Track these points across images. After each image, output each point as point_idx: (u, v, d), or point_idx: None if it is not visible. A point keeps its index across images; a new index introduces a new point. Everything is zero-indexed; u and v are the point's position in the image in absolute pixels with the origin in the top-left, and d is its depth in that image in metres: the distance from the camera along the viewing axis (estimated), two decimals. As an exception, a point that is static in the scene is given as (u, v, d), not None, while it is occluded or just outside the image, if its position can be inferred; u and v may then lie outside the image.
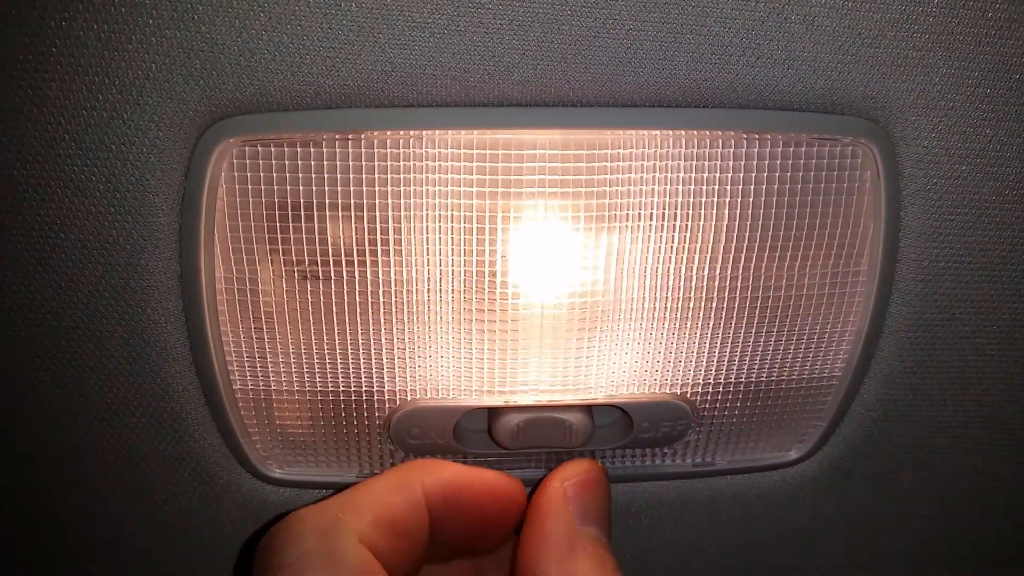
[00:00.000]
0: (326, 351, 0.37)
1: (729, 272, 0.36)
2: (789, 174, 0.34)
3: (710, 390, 0.39)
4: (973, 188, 0.35)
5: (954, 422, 0.41)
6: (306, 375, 0.38)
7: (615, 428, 0.40)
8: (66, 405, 0.37)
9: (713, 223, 0.35)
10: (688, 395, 0.39)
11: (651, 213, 0.35)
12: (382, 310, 0.36)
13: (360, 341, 0.37)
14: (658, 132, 0.33)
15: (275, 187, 0.33)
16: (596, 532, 0.34)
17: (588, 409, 0.39)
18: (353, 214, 0.34)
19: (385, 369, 0.37)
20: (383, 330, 0.36)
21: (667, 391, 0.39)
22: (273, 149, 0.33)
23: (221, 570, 0.43)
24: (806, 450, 0.41)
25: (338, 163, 0.33)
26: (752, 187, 0.34)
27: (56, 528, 0.42)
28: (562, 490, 0.34)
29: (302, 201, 0.34)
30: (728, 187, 0.34)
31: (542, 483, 0.35)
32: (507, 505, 0.35)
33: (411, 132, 0.33)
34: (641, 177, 0.34)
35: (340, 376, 0.38)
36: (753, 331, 0.37)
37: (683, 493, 0.43)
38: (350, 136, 0.32)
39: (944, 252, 0.36)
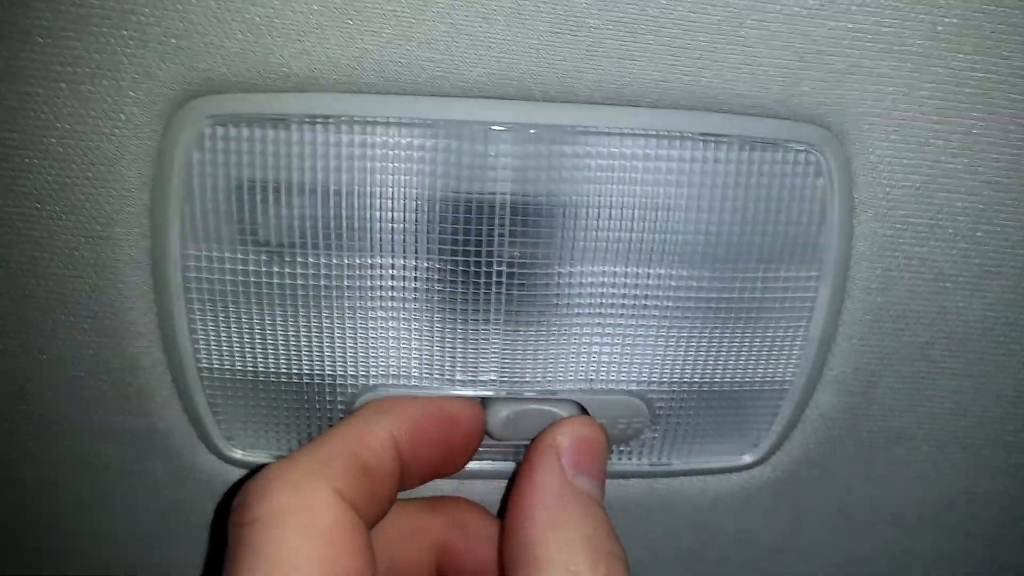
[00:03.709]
0: (291, 333, 0.38)
1: (685, 272, 0.37)
2: (744, 178, 0.35)
3: (666, 389, 0.40)
4: (926, 199, 0.36)
5: (907, 433, 0.42)
6: (271, 357, 0.38)
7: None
8: (33, 374, 0.38)
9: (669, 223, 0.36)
10: (645, 393, 0.40)
11: (609, 212, 0.36)
12: (346, 295, 0.37)
13: (324, 325, 0.37)
14: (616, 130, 0.34)
15: (244, 167, 0.34)
16: (588, 485, 0.34)
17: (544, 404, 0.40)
18: (320, 198, 0.35)
19: (348, 353, 0.38)
20: (346, 315, 0.37)
21: (624, 388, 0.39)
22: (243, 130, 0.34)
23: (180, 548, 0.43)
24: (760, 455, 0.42)
25: (305, 146, 0.34)
26: (709, 190, 0.35)
27: (14, 501, 0.42)
28: (556, 443, 0.35)
29: (271, 183, 0.34)
30: (685, 189, 0.35)
31: (538, 436, 0.36)
32: (469, 429, 0.36)
33: (378, 118, 0.34)
34: (600, 176, 0.35)
35: (303, 359, 0.38)
36: (708, 332, 0.38)
37: (642, 493, 0.43)
38: (318, 120, 0.34)
39: (897, 261, 0.37)
